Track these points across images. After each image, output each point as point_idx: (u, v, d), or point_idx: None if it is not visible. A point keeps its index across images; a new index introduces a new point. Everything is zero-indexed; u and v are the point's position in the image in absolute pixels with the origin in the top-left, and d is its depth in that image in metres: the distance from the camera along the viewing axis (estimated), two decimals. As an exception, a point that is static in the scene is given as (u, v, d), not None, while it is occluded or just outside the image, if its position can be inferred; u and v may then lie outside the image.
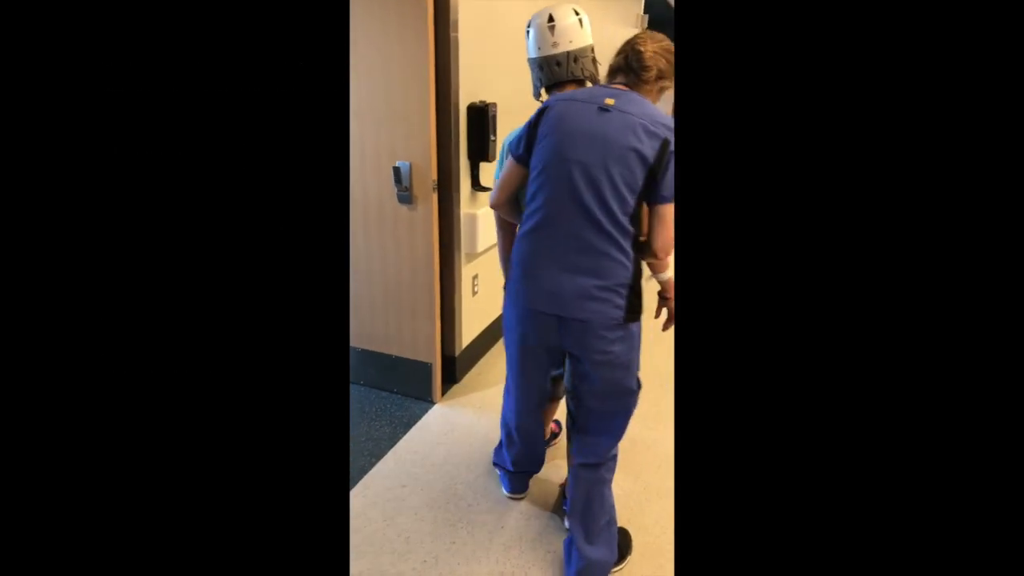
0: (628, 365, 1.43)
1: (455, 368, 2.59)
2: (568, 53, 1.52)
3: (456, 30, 2.11)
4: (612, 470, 1.60)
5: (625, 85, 1.43)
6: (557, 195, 1.35)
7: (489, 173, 2.49)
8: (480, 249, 2.51)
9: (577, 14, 1.54)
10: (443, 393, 2.52)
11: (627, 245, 1.35)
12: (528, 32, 1.56)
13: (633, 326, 1.41)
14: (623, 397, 1.47)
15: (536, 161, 1.40)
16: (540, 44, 1.53)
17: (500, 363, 2.79)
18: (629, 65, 1.42)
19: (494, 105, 2.34)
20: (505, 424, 1.81)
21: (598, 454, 1.54)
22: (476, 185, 2.45)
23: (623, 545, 1.72)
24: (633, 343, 1.43)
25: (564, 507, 1.83)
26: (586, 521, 1.58)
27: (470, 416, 2.38)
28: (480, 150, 2.37)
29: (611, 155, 1.30)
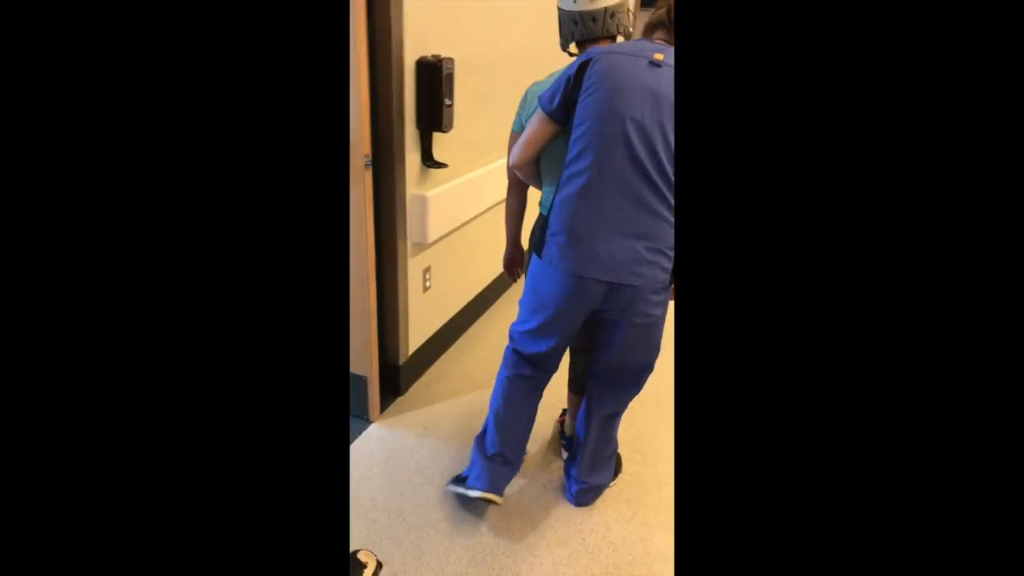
0: (661, 326, 1.48)
1: (398, 379, 2.18)
2: (605, 9, 1.43)
3: (399, -37, 1.65)
4: (625, 409, 1.67)
5: (665, 41, 1.37)
6: (608, 153, 1.29)
7: (443, 144, 2.04)
8: (432, 238, 2.07)
9: None
10: (382, 409, 2.11)
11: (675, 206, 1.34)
12: None
13: (671, 288, 1.43)
14: (651, 352, 1.52)
15: (582, 117, 1.31)
16: None
17: (456, 370, 2.39)
18: (673, 20, 1.36)
19: (450, 61, 1.88)
20: (497, 398, 1.69)
21: (622, 403, 1.63)
22: (428, 160, 2.00)
23: (617, 464, 1.88)
24: (668, 304, 1.46)
25: (562, 440, 1.98)
26: (594, 456, 1.71)
27: (413, 439, 1.99)
28: (432, 117, 1.91)
29: (666, 113, 1.27)
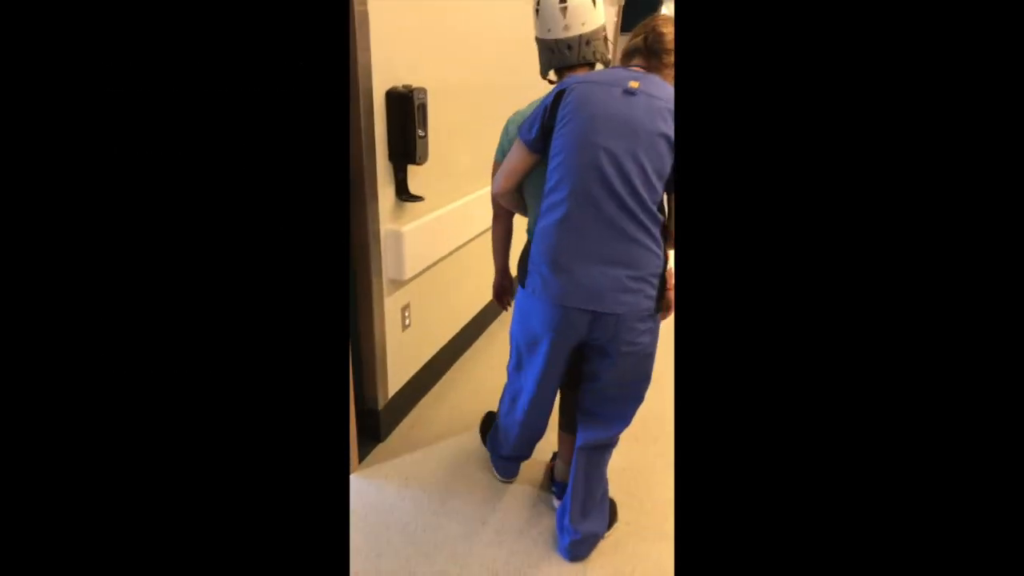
0: (651, 355, 1.44)
1: (378, 424, 2.05)
2: (580, 36, 1.41)
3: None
4: (615, 446, 1.62)
5: (643, 68, 1.36)
6: (584, 183, 1.28)
7: (419, 177, 1.95)
8: (409, 275, 1.97)
9: None
10: (361, 458, 1.98)
11: (657, 233, 1.32)
12: (536, 10, 1.44)
13: (659, 316, 1.41)
14: (641, 383, 1.48)
15: (557, 147, 1.31)
16: (550, 26, 1.42)
17: (441, 411, 2.26)
18: (650, 47, 1.36)
19: (423, 91, 1.79)
20: (505, 419, 1.74)
21: (610, 436, 1.57)
22: (402, 193, 1.91)
23: (611, 513, 1.77)
24: (657, 332, 1.42)
25: (552, 486, 1.87)
26: (584, 498, 1.62)
27: (394, 491, 1.85)
28: (405, 149, 1.82)
29: (640, 142, 1.26)
